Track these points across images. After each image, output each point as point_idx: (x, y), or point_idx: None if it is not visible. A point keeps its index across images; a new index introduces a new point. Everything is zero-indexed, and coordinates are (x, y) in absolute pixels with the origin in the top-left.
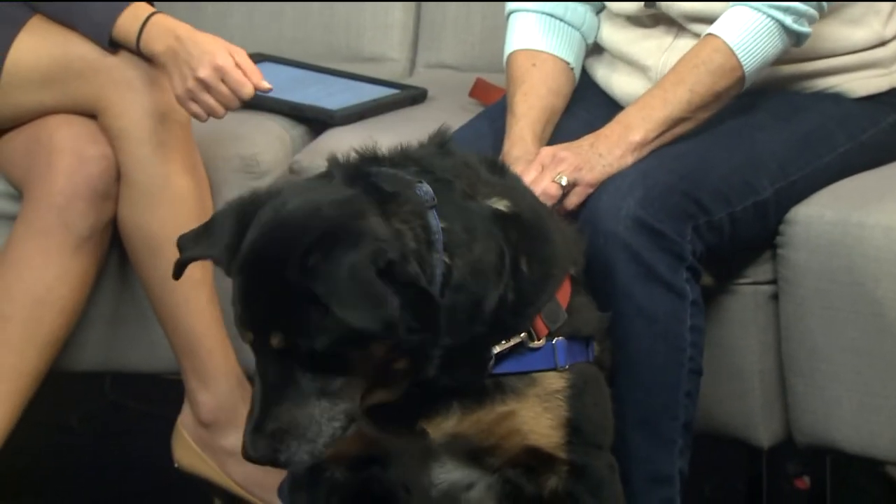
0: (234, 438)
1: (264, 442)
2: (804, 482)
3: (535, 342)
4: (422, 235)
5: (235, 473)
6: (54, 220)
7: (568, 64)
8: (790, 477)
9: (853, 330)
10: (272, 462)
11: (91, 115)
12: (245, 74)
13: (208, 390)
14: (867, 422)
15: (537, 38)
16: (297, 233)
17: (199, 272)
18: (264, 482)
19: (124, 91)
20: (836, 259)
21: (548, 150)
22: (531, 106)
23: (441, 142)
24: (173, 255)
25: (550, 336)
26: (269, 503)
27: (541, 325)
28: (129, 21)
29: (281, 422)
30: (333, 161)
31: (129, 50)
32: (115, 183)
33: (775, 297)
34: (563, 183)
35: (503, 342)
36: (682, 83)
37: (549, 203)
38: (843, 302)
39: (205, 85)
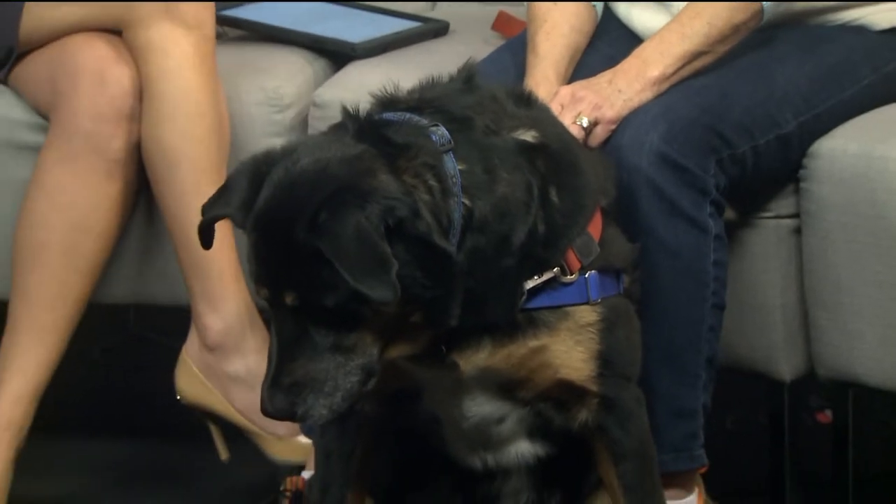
0: (239, 364)
1: (281, 396)
2: (826, 416)
3: (568, 277)
4: (435, 185)
5: (239, 401)
6: (82, 144)
7: (589, 1)
8: (812, 410)
9: (876, 263)
10: (290, 416)
11: (115, 31)
12: None
13: (217, 312)
14: (889, 355)
15: None
16: (306, 192)
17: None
18: None
19: (152, 3)
20: (860, 192)
21: (566, 90)
22: (554, 45)
23: (468, 76)
24: (189, 170)
25: (583, 270)
26: (270, 433)
27: (573, 258)
28: None
29: (296, 376)
30: (346, 113)
31: None
32: (139, 104)
33: (798, 230)
34: (584, 125)
35: (535, 277)
36: (699, 16)
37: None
38: (866, 235)
39: None
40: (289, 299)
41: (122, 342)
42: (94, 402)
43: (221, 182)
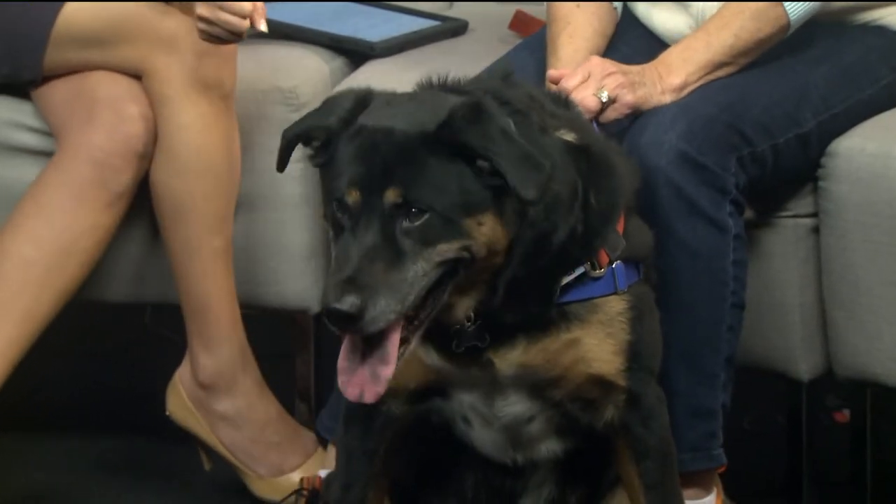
0: (228, 404)
1: (354, 295)
2: (844, 415)
3: (598, 271)
4: None
5: (225, 437)
6: (90, 173)
7: (611, 4)
8: (830, 410)
9: (893, 262)
10: (352, 317)
11: (136, 76)
12: (239, 8)
13: (211, 354)
14: None
15: None
16: (432, 104)
17: (221, 242)
18: (252, 451)
19: (171, 59)
20: (878, 192)
21: (598, 60)
22: (577, 48)
23: (505, 73)
24: (196, 222)
25: (609, 262)
26: (253, 470)
27: (603, 254)
28: None
29: (374, 278)
30: (419, 85)
31: None
32: (152, 143)
33: (816, 230)
34: (604, 99)
35: (569, 273)
36: (726, 27)
37: (586, 116)
38: (884, 234)
39: (206, 20)
40: (392, 196)
41: (138, 340)
42: (109, 399)
43: (228, 233)
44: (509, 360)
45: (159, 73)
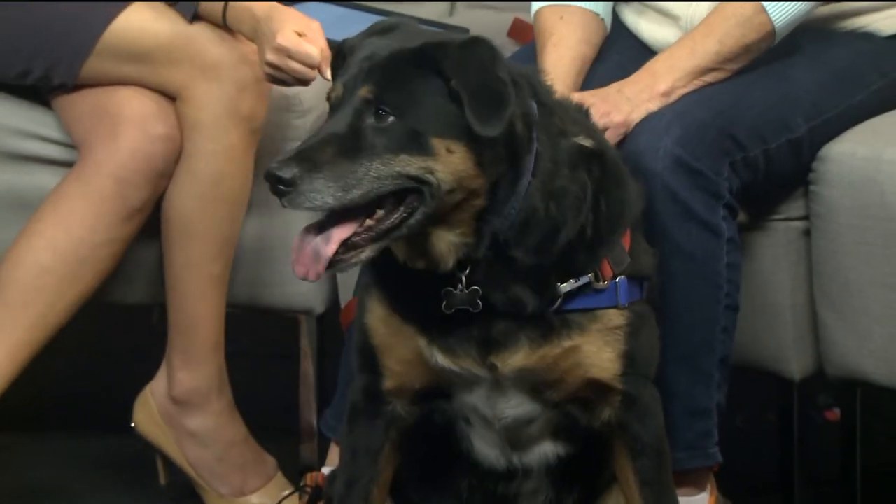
0: (199, 421)
1: (295, 164)
2: (834, 414)
3: (601, 283)
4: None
5: (191, 454)
6: (112, 188)
7: (597, 14)
8: (821, 408)
9: (885, 264)
10: (286, 183)
11: (168, 95)
12: (309, 57)
13: (190, 371)
14: None
15: None
16: (448, 33)
17: (220, 269)
18: (216, 470)
19: (212, 87)
20: (868, 195)
21: (576, 97)
22: (561, 57)
23: (536, 69)
24: (201, 245)
25: (613, 276)
26: (214, 489)
27: (607, 267)
28: (210, 7)
29: (322, 157)
30: None
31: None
32: (174, 163)
33: (807, 232)
34: None
35: (572, 281)
36: (711, 34)
37: None
38: (874, 237)
39: (274, 66)
40: (364, 91)
41: (145, 341)
42: (117, 399)
43: (229, 258)
44: (511, 364)
45: (197, 99)
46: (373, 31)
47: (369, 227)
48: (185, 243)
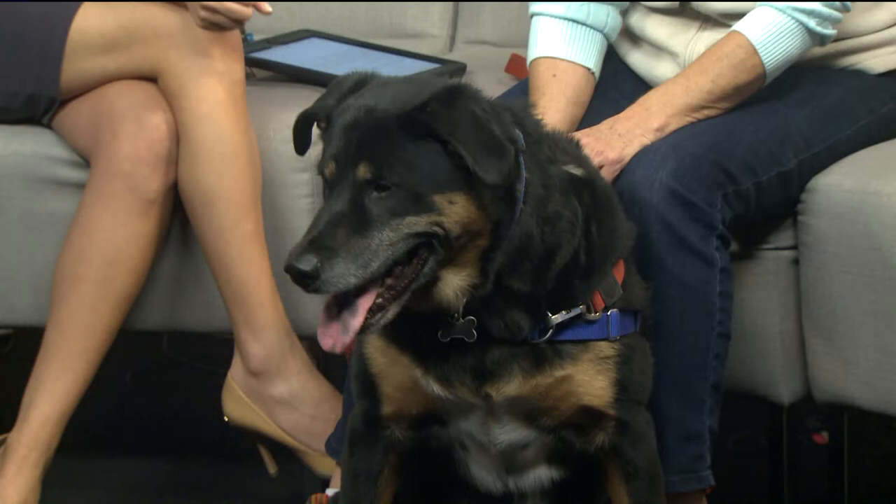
0: (282, 387)
1: (312, 253)
2: (822, 437)
3: (593, 315)
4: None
5: (284, 422)
6: (120, 185)
7: (589, 69)
8: (809, 432)
9: (870, 293)
10: (309, 276)
11: (151, 79)
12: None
13: (258, 340)
14: (883, 379)
15: (558, 46)
16: (422, 88)
17: (253, 225)
18: (312, 429)
19: (185, 52)
20: (855, 225)
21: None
22: (550, 119)
23: (527, 104)
24: (226, 208)
25: (605, 308)
26: (316, 450)
27: (599, 299)
28: None
29: (336, 241)
30: None
31: None
32: (175, 147)
33: (796, 261)
34: None
35: (564, 312)
36: (704, 73)
37: None
38: (860, 266)
39: (209, 9)
40: (363, 170)
41: (155, 366)
42: (127, 423)
43: (258, 216)
44: (505, 393)
45: (173, 68)
46: (344, 90)
47: (390, 287)
48: (211, 213)
